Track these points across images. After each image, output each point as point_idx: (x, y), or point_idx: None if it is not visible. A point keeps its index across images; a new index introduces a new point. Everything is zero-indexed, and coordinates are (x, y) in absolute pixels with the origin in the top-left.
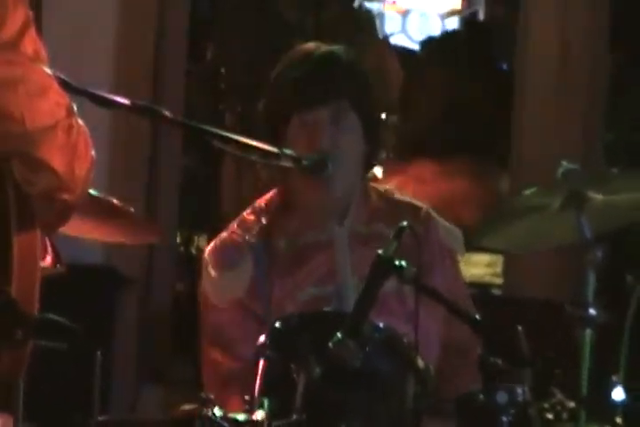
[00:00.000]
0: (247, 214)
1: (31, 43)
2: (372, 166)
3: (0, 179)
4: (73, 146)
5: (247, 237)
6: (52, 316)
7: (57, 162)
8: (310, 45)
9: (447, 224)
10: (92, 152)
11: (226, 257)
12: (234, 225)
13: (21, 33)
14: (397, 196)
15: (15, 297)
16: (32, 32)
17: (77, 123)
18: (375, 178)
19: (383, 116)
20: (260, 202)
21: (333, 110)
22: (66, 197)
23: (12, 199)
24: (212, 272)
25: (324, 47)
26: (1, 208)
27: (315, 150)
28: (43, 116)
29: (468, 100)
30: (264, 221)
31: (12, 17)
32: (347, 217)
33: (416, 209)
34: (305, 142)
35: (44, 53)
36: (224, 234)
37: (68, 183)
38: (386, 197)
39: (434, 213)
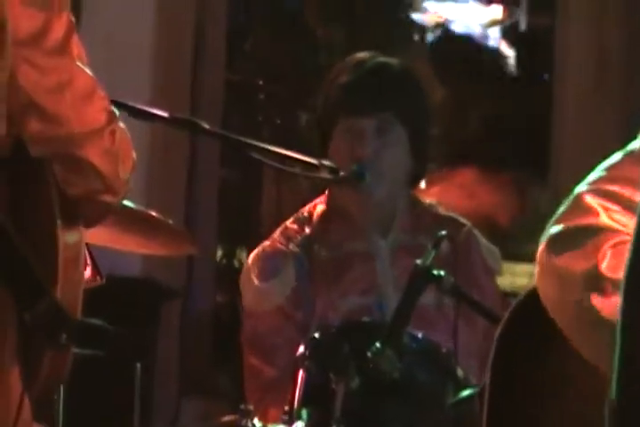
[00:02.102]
0: (290, 223)
1: (76, 47)
2: (418, 180)
3: (46, 180)
4: (117, 149)
5: (290, 246)
6: (94, 320)
7: (103, 165)
8: (365, 54)
9: (489, 244)
10: (134, 155)
11: (268, 265)
12: (277, 234)
13: (67, 37)
14: (442, 210)
15: (59, 300)
16: (75, 36)
17: (120, 127)
18: (417, 187)
19: (431, 130)
20: (304, 211)
21: (379, 121)
22: (109, 199)
23: (57, 201)
24: (255, 280)
25: (378, 57)
26: (47, 209)
27: (355, 159)
28: (89, 119)
29: (510, 111)
30: (307, 230)
31: (58, 21)
32: (391, 229)
33: (459, 225)
34: (347, 149)
35: (85, 57)
36: (267, 242)
37: (113, 186)
38: (430, 211)
39: (476, 231)
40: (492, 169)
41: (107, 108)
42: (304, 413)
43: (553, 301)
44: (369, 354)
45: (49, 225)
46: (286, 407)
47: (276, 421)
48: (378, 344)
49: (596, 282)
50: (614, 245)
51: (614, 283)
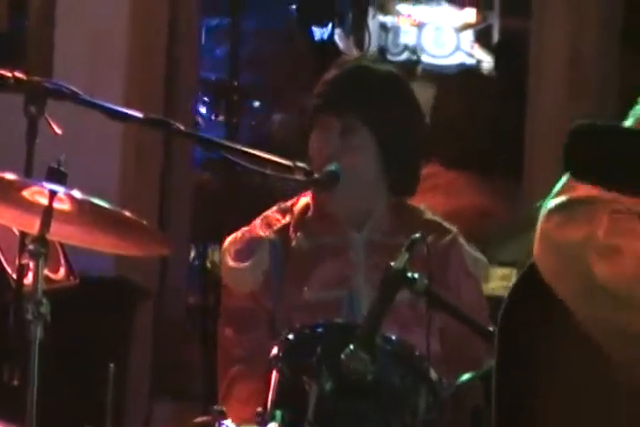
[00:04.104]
0: (272, 212)
1: None
2: (403, 185)
3: None
4: None
5: (267, 233)
6: None
7: None
8: (351, 57)
9: (474, 252)
10: None
11: (244, 248)
12: (257, 220)
13: None
14: (429, 215)
15: None
16: None
17: None
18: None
19: (411, 138)
20: (287, 203)
21: (344, 122)
22: None
23: None
24: (230, 262)
25: (366, 61)
26: None
27: (317, 155)
28: None
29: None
30: (287, 219)
31: None
32: (365, 227)
33: (444, 231)
34: (312, 145)
35: None
36: (245, 228)
37: None
38: (416, 215)
39: (461, 239)
40: (471, 172)
41: None
42: (277, 414)
43: (553, 271)
44: (342, 356)
45: None
46: (259, 409)
47: (242, 417)
48: (351, 346)
49: (595, 248)
50: (610, 213)
51: (612, 248)
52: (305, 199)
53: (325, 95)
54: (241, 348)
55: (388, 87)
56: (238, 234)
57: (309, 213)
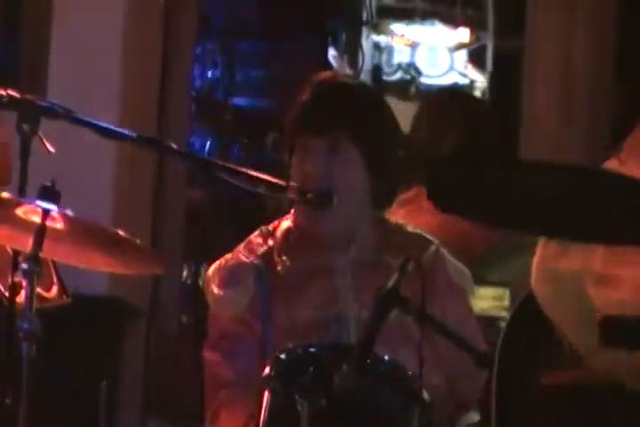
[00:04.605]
0: (254, 237)
1: None
2: (383, 200)
3: None
4: None
5: (251, 258)
6: None
7: None
8: (327, 74)
9: (456, 263)
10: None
11: (228, 275)
12: (240, 246)
13: None
14: (410, 229)
15: None
16: None
17: None
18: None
19: (393, 152)
20: (268, 226)
21: (330, 141)
22: None
23: None
24: (215, 290)
25: (340, 77)
26: None
27: (307, 178)
28: None
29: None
30: (270, 242)
31: None
32: (352, 244)
33: (426, 243)
34: (299, 169)
35: None
36: (229, 255)
37: None
38: (398, 230)
39: (443, 251)
40: None
41: None
42: None
43: (550, 300)
44: (335, 376)
45: None
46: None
47: None
48: (344, 366)
49: (592, 277)
50: (605, 246)
51: (610, 277)
52: (286, 222)
53: (306, 117)
54: (231, 370)
55: (366, 100)
56: (222, 261)
57: (292, 236)
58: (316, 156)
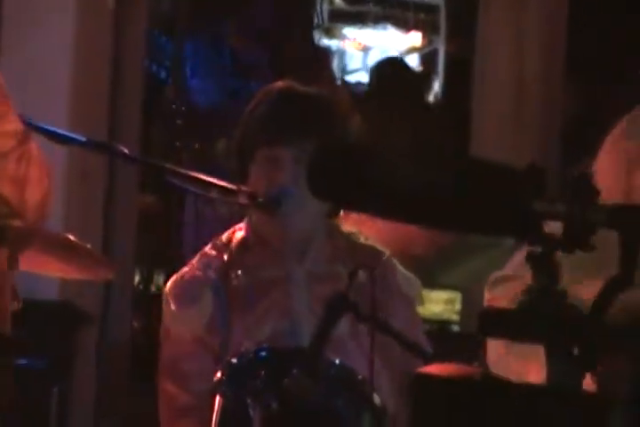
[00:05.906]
0: (208, 250)
1: None
2: (338, 208)
3: None
4: (24, 173)
5: (207, 273)
6: None
7: (6, 189)
8: (283, 83)
9: (407, 273)
10: (48, 179)
11: (186, 293)
12: (195, 260)
13: None
14: (362, 239)
15: None
16: None
17: (33, 151)
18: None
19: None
20: (222, 238)
21: (297, 150)
22: (16, 223)
23: None
24: (173, 307)
25: (297, 87)
26: None
27: (274, 187)
28: None
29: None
30: (225, 256)
31: None
32: (306, 255)
33: (378, 254)
34: (265, 179)
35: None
36: (185, 269)
37: (19, 210)
38: (350, 240)
39: (394, 261)
40: None
41: (16, 133)
42: None
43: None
44: (286, 380)
45: None
46: None
47: None
48: (295, 370)
49: None
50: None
51: None
52: (240, 233)
53: (271, 127)
54: (189, 395)
55: (329, 110)
56: (178, 277)
57: (247, 247)
58: (283, 165)
